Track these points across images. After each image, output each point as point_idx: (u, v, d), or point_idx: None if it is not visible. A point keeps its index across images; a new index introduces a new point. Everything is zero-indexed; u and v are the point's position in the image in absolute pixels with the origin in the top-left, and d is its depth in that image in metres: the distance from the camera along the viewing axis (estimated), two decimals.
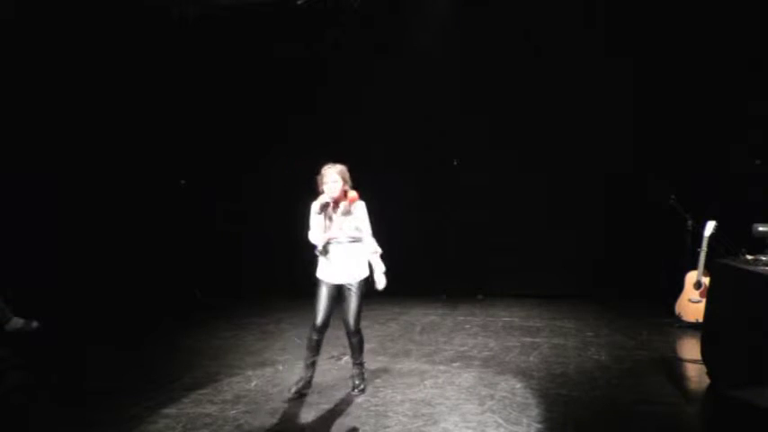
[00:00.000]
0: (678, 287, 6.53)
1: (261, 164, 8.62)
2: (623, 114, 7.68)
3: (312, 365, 4.59)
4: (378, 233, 4.56)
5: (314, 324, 4.49)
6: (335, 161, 4.50)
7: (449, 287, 8.27)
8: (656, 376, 4.94)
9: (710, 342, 4.87)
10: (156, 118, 8.17)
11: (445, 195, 8.34)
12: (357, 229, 4.46)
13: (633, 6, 7.45)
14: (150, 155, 8.16)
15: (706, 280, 6.10)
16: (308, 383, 4.58)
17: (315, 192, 4.49)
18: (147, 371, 5.26)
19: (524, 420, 4.05)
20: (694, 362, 5.20)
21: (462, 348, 5.80)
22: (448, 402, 4.39)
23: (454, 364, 5.29)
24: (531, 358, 5.44)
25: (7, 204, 6.47)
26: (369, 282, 4.55)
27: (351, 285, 4.47)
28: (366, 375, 4.76)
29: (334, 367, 5.19)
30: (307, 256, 5.24)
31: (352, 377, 4.67)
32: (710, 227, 6.23)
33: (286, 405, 4.39)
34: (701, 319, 5.58)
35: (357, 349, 4.64)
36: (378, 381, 4.88)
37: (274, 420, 4.12)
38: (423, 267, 8.05)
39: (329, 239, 4.46)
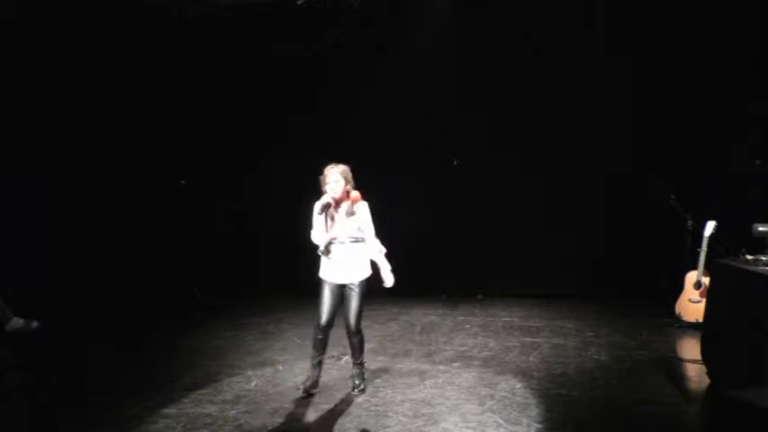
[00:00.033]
0: (678, 287, 6.53)
1: (261, 164, 8.62)
2: (623, 114, 7.68)
3: (319, 365, 4.60)
4: (378, 233, 4.57)
5: (318, 323, 4.50)
6: (338, 161, 4.50)
7: (449, 287, 8.27)
8: (656, 376, 4.95)
9: (710, 342, 4.87)
10: (156, 118, 8.17)
11: (445, 195, 8.34)
12: (359, 229, 4.46)
13: (633, 6, 7.45)
14: (150, 155, 8.16)
15: (706, 280, 6.10)
16: (315, 383, 4.59)
17: (317, 191, 4.50)
18: (147, 371, 5.25)
19: (524, 420, 4.05)
20: (694, 362, 5.20)
21: (462, 348, 5.80)
22: (448, 402, 4.39)
23: (454, 364, 5.29)
24: (531, 358, 5.44)
25: (7, 204, 6.47)
26: (372, 281, 4.55)
27: (353, 285, 4.48)
28: (366, 375, 4.76)
29: (334, 367, 5.19)
30: (307, 256, 5.26)
31: (353, 377, 4.67)
32: (710, 227, 6.23)
33: (286, 405, 4.39)
34: (700, 319, 5.58)
35: (358, 349, 4.64)
36: (378, 381, 4.88)
37: (274, 420, 4.12)
38: (423, 267, 8.05)
39: (331, 239, 4.46)
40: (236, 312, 7.46)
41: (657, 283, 7.27)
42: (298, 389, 4.58)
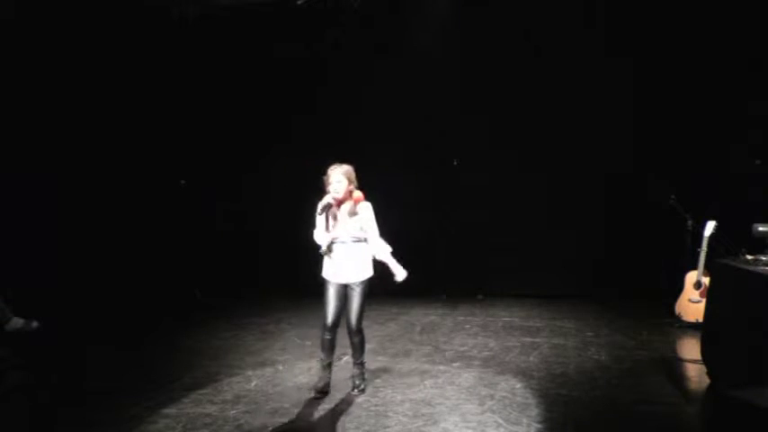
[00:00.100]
0: (678, 287, 6.53)
1: (261, 164, 8.62)
2: (623, 114, 7.68)
3: (329, 366, 4.60)
4: (379, 233, 4.55)
5: (324, 324, 4.50)
6: (340, 161, 4.50)
7: (449, 287, 8.27)
8: (656, 376, 4.95)
9: (710, 342, 4.87)
10: (156, 118, 8.17)
11: (445, 195, 8.34)
12: (362, 229, 4.46)
13: (633, 6, 7.45)
14: (150, 155, 8.15)
15: (706, 280, 6.10)
16: (327, 384, 4.59)
17: (317, 191, 4.50)
18: (147, 371, 5.26)
19: (524, 420, 4.05)
20: (694, 362, 5.20)
21: (462, 348, 5.80)
22: (448, 402, 4.40)
23: (454, 364, 5.29)
24: (531, 358, 5.44)
25: (7, 204, 6.47)
26: (374, 281, 4.56)
27: (355, 285, 4.48)
28: (366, 375, 4.76)
29: (334, 367, 5.17)
30: (308, 256, 5.26)
31: (353, 377, 4.67)
32: (710, 227, 6.23)
33: (286, 405, 4.39)
34: (700, 319, 5.58)
35: (358, 349, 4.64)
36: (378, 381, 4.88)
37: (274, 420, 4.13)
38: (423, 267, 8.02)
39: (333, 239, 4.46)
40: (236, 312, 7.46)
41: (657, 283, 7.27)
42: (310, 390, 4.58)
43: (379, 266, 4.60)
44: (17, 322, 6.13)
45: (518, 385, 4.73)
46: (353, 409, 4.30)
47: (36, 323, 6.20)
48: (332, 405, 4.40)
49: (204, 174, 8.56)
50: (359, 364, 4.68)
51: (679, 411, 4.27)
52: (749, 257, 4.72)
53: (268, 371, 5.20)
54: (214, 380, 4.96)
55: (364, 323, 4.65)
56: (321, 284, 4.58)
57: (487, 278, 8.32)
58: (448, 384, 4.77)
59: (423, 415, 4.17)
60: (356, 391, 4.60)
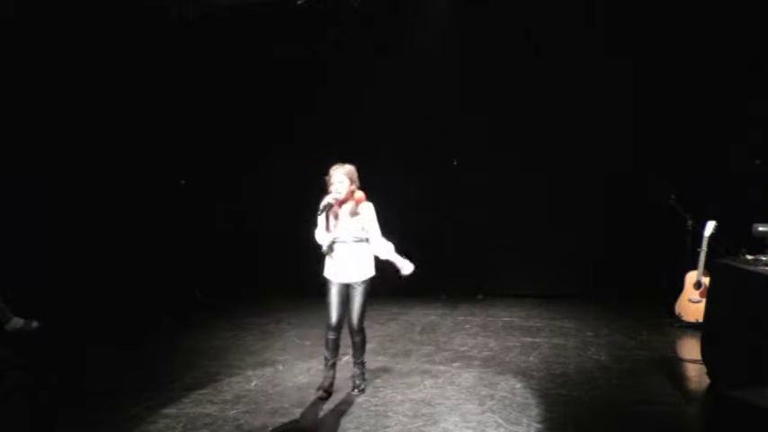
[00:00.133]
0: (678, 287, 6.53)
1: (261, 164, 8.62)
2: (623, 114, 7.68)
3: (333, 366, 4.60)
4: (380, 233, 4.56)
5: (328, 324, 4.51)
6: (343, 161, 4.50)
7: (449, 287, 8.27)
8: (656, 376, 4.95)
9: (710, 342, 4.87)
10: (156, 118, 8.17)
11: (445, 195, 8.34)
12: (363, 229, 4.46)
13: (633, 6, 7.45)
14: (150, 155, 8.15)
15: (706, 280, 6.10)
16: (332, 383, 4.59)
17: (317, 191, 4.51)
18: (147, 371, 5.26)
19: (524, 420, 4.05)
20: (694, 362, 5.20)
21: (462, 348, 5.80)
22: (448, 402, 4.40)
23: (454, 364, 5.29)
24: (531, 358, 5.44)
25: (7, 204, 6.47)
26: (376, 280, 4.57)
27: (356, 284, 4.49)
28: (366, 375, 4.76)
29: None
30: (308, 256, 5.26)
31: (353, 377, 4.67)
32: (710, 227, 6.23)
33: (286, 405, 4.39)
34: (700, 319, 5.58)
35: (359, 348, 4.65)
36: (378, 381, 4.88)
37: (274, 420, 4.13)
38: (423, 267, 8.03)
39: (334, 239, 4.47)
40: (236, 312, 7.46)
41: (657, 283, 7.27)
42: (316, 390, 4.57)
43: (384, 265, 4.60)
44: (17, 322, 6.13)
45: (518, 385, 4.73)
46: (354, 409, 4.30)
47: (36, 323, 6.20)
48: (332, 405, 4.40)
49: (204, 174, 8.56)
50: (359, 363, 4.68)
51: (679, 411, 4.27)
52: (749, 257, 4.72)
53: (268, 371, 5.20)
54: (214, 380, 4.96)
55: (365, 323, 4.65)
56: (323, 284, 4.58)
57: (487, 278, 8.32)
58: (448, 384, 4.77)
59: (423, 415, 4.17)
60: (356, 391, 4.60)
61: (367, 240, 4.51)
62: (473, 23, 7.97)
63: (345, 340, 4.69)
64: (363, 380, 4.68)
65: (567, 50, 7.73)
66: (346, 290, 4.51)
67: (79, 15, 7.22)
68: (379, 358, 5.47)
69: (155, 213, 8.18)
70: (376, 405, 4.37)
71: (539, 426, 3.97)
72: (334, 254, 4.51)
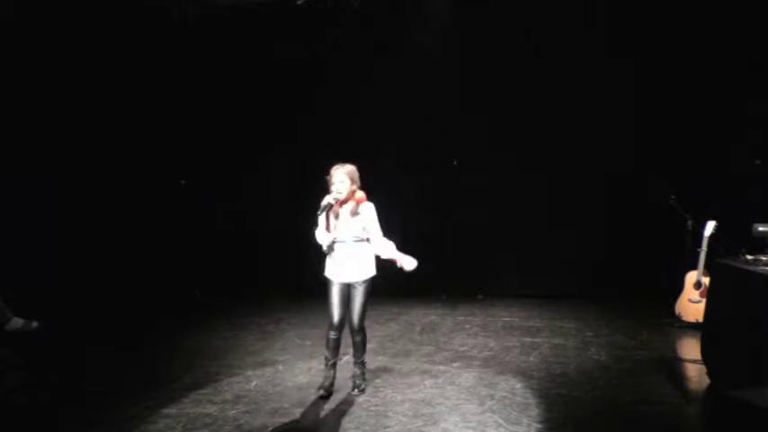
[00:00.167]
0: (678, 287, 6.53)
1: (261, 164, 8.62)
2: (623, 114, 7.68)
3: (334, 365, 4.61)
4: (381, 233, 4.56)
5: (331, 323, 4.51)
6: (344, 161, 4.51)
7: (449, 287, 8.27)
8: (656, 376, 4.95)
9: (710, 342, 4.87)
10: (156, 118, 8.17)
11: (445, 195, 8.34)
12: (364, 229, 4.47)
13: (633, 6, 7.45)
14: (150, 155, 8.15)
15: (706, 280, 6.10)
16: (332, 383, 4.59)
17: (320, 190, 4.51)
18: (147, 371, 5.25)
19: (524, 420, 4.05)
20: (694, 362, 5.20)
21: (462, 348, 5.80)
22: (448, 402, 4.40)
23: (454, 364, 5.29)
24: (531, 358, 5.44)
25: (7, 204, 6.47)
26: (377, 280, 4.57)
27: (357, 284, 4.50)
28: (367, 375, 4.76)
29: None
30: (308, 256, 5.27)
31: (353, 377, 4.67)
32: (710, 227, 6.23)
33: (286, 405, 4.39)
34: (701, 319, 5.58)
35: (360, 348, 4.65)
36: (378, 381, 4.88)
37: (274, 420, 4.12)
38: (423, 267, 8.03)
39: (335, 239, 4.47)
40: (236, 312, 7.46)
41: (657, 283, 7.27)
42: (317, 390, 4.57)
43: (385, 264, 4.60)
44: (17, 322, 6.13)
45: (518, 385, 4.73)
46: (354, 409, 4.30)
47: (36, 323, 6.20)
48: (332, 405, 4.40)
49: (204, 174, 8.56)
50: (360, 363, 4.68)
51: (679, 411, 4.27)
52: (749, 257, 4.72)
53: (268, 371, 5.20)
54: (214, 380, 4.96)
55: (365, 322, 4.65)
56: (323, 284, 4.59)
57: (487, 278, 8.32)
58: (448, 384, 4.77)
59: (423, 415, 4.17)
60: (356, 391, 4.60)
61: (368, 240, 4.51)
62: (473, 23, 7.97)
63: (346, 340, 4.69)
64: (363, 380, 4.69)
65: (567, 50, 7.74)
66: (347, 289, 4.52)
67: (79, 15, 7.22)
68: (379, 358, 5.47)
69: (155, 213, 8.18)
70: (376, 405, 4.37)
71: (539, 426, 3.97)
72: (334, 254, 4.52)
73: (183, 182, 8.35)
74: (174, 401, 4.48)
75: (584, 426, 4.04)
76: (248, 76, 8.55)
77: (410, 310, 7.49)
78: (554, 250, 7.96)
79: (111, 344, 6.14)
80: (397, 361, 5.43)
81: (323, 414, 4.25)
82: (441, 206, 8.34)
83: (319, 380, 4.69)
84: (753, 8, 6.96)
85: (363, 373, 4.71)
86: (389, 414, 4.19)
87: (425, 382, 4.82)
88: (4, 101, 6.69)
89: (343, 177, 4.41)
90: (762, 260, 4.58)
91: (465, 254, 8.30)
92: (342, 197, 4.41)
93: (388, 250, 4.49)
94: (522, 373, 5.00)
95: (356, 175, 4.49)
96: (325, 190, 4.46)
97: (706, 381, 4.79)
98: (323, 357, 4.63)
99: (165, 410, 4.31)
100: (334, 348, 4.56)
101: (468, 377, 4.93)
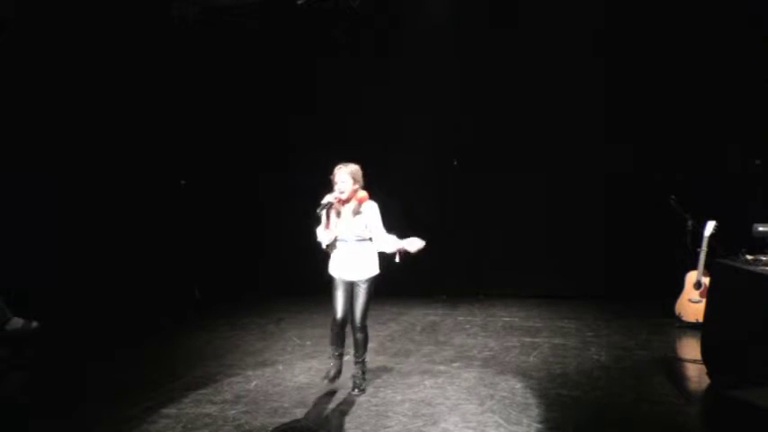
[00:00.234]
0: (678, 287, 6.53)
1: (261, 164, 8.62)
2: (623, 114, 7.67)
3: (340, 356, 4.64)
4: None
5: (334, 318, 4.55)
6: (345, 161, 4.52)
7: (449, 287, 8.27)
8: (656, 376, 4.94)
9: (710, 342, 4.87)
10: (156, 118, 8.16)
11: (445, 195, 8.33)
12: (366, 228, 4.48)
13: (633, 6, 7.45)
14: (150, 155, 8.15)
15: (706, 280, 6.10)
16: (338, 372, 4.63)
17: (320, 190, 4.52)
18: (147, 371, 5.26)
19: (524, 420, 4.05)
20: (694, 362, 5.20)
21: (462, 348, 5.80)
22: (448, 402, 4.40)
23: (454, 364, 5.29)
24: (531, 358, 5.44)
25: (7, 204, 6.46)
26: (379, 278, 4.59)
27: (360, 282, 4.51)
28: (367, 375, 4.76)
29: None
30: (308, 257, 5.27)
31: (353, 377, 4.68)
32: (710, 227, 6.22)
33: (286, 405, 4.40)
34: (701, 319, 5.58)
35: (361, 346, 4.66)
36: (378, 381, 4.88)
37: (274, 420, 4.13)
38: (423, 267, 8.04)
39: (336, 238, 4.48)
40: (236, 312, 7.46)
41: (657, 283, 7.26)
42: (322, 379, 4.62)
43: (387, 264, 4.60)
44: (17, 322, 6.11)
45: (518, 385, 4.73)
46: (354, 409, 4.30)
47: (36, 323, 6.18)
48: (332, 405, 4.41)
49: (205, 174, 8.55)
50: (360, 362, 4.69)
51: (679, 411, 4.26)
52: (749, 257, 4.72)
53: (268, 371, 5.20)
54: (214, 380, 4.96)
55: (367, 321, 4.65)
56: (324, 284, 4.61)
57: (487, 278, 8.32)
58: (448, 384, 4.77)
59: (423, 415, 4.17)
60: (357, 390, 4.60)
61: (370, 239, 4.51)
62: (473, 23, 7.97)
63: (346, 339, 4.69)
64: (364, 380, 4.69)
65: (567, 50, 7.73)
66: (351, 287, 4.54)
67: (79, 15, 7.22)
68: (380, 358, 5.47)
69: (155, 213, 8.17)
70: (376, 405, 4.37)
71: (539, 426, 3.97)
72: (337, 252, 4.54)
73: (183, 182, 8.35)
74: (174, 401, 4.48)
75: (585, 426, 4.04)
76: (248, 76, 8.54)
77: (410, 310, 7.49)
78: (554, 250, 7.95)
79: (111, 343, 6.13)
80: (397, 361, 5.43)
81: (323, 414, 4.25)
82: (440, 206, 8.33)
83: (319, 380, 4.69)
84: (753, 8, 6.96)
85: (364, 373, 4.71)
86: (389, 414, 4.20)
87: (425, 382, 4.82)
88: (4, 101, 6.69)
89: (345, 177, 4.42)
90: (762, 260, 4.58)
91: (465, 254, 8.30)
92: (344, 196, 4.42)
93: (392, 243, 4.49)
94: (522, 373, 5.00)
95: (359, 174, 4.51)
96: (329, 189, 4.47)
97: (706, 381, 4.79)
98: (327, 352, 4.64)
99: (165, 410, 4.31)
100: (339, 342, 4.60)
101: (468, 377, 4.93)
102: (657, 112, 7.55)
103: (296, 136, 8.50)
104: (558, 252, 7.95)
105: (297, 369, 5.22)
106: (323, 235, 4.49)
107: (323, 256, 4.68)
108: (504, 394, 4.53)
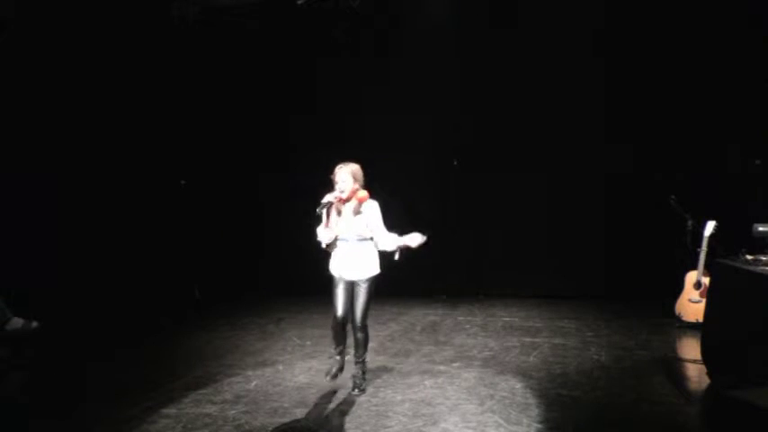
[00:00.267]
0: (678, 287, 6.53)
1: (261, 164, 8.62)
2: (623, 114, 7.67)
3: (341, 353, 4.66)
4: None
5: (335, 317, 4.55)
6: (346, 161, 4.52)
7: (449, 287, 8.27)
8: (656, 376, 4.94)
9: (710, 342, 4.87)
10: (156, 118, 8.16)
11: (445, 195, 8.33)
12: (367, 227, 4.48)
13: (633, 6, 7.45)
14: (150, 155, 8.15)
15: (706, 280, 6.10)
16: (341, 368, 4.65)
17: (320, 190, 4.52)
18: (147, 371, 5.26)
19: (524, 420, 4.05)
20: (694, 362, 5.20)
21: (462, 348, 5.80)
22: (448, 402, 4.40)
23: (454, 364, 5.29)
24: (531, 358, 5.44)
25: (7, 204, 6.46)
26: (380, 278, 4.59)
27: (361, 282, 4.52)
28: (367, 375, 4.76)
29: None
30: (308, 257, 5.26)
31: (353, 377, 4.68)
32: (710, 227, 6.22)
33: (286, 405, 4.40)
34: (701, 319, 5.58)
35: (361, 345, 4.66)
36: (378, 381, 4.88)
37: (274, 420, 4.13)
38: (423, 267, 8.04)
39: (337, 237, 4.49)
40: (236, 312, 7.46)
41: (657, 283, 7.26)
42: (325, 375, 4.64)
43: (388, 263, 4.60)
44: (17, 322, 6.11)
45: (518, 385, 4.73)
46: (354, 409, 4.30)
47: (36, 323, 6.18)
48: (332, 405, 4.41)
49: (205, 174, 8.55)
50: (360, 362, 4.69)
51: (679, 411, 4.26)
52: (749, 257, 4.72)
53: (268, 371, 5.20)
54: (214, 380, 4.96)
55: (368, 321, 4.65)
56: (324, 284, 4.62)
57: (487, 278, 8.32)
58: (448, 384, 4.77)
59: (423, 415, 4.17)
60: (356, 390, 4.60)
61: (371, 239, 4.52)
62: (473, 23, 7.97)
63: (348, 338, 4.70)
64: (364, 380, 4.69)
65: (567, 50, 7.73)
66: (351, 286, 4.55)
67: (79, 15, 7.22)
68: (380, 358, 5.47)
69: (154, 213, 8.17)
70: (376, 405, 4.37)
71: (539, 426, 3.97)
72: (338, 252, 4.55)
73: (183, 182, 8.35)
74: (174, 401, 4.49)
75: (585, 426, 4.04)
76: (248, 76, 8.54)
77: (410, 310, 7.49)
78: (554, 250, 7.95)
79: (111, 343, 6.13)
80: (397, 361, 5.43)
81: (323, 414, 4.25)
82: (440, 206, 8.33)
83: (319, 380, 4.70)
84: (753, 8, 6.96)
85: (364, 373, 4.71)
86: (389, 414, 4.20)
87: (425, 382, 4.82)
88: (4, 101, 6.69)
89: (346, 176, 4.43)
90: (762, 260, 4.58)
91: (465, 254, 8.30)
92: (344, 196, 4.42)
93: (393, 241, 4.49)
94: (522, 373, 5.00)
95: (360, 174, 4.51)
96: (329, 189, 4.48)
97: (706, 381, 4.79)
98: (328, 352, 4.65)
99: (165, 410, 4.31)
100: (340, 339, 4.61)
101: (468, 377, 4.93)
102: (657, 112, 7.55)
103: (296, 136, 8.50)
104: (558, 252, 7.95)
105: (297, 369, 5.22)
106: (323, 234, 4.49)
107: (323, 255, 4.68)
108: (504, 394, 4.53)
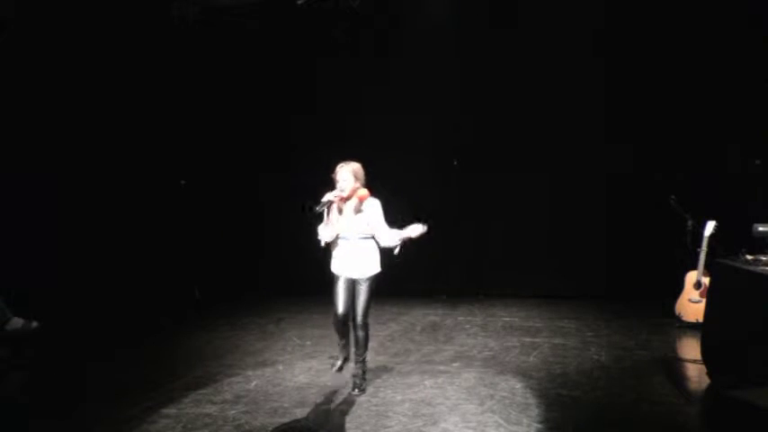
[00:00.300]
0: (678, 287, 6.53)
1: (261, 164, 8.62)
2: (623, 114, 7.68)
3: (346, 346, 4.68)
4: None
5: (336, 313, 4.56)
6: (347, 160, 4.53)
7: (449, 287, 8.27)
8: (656, 376, 4.94)
9: (710, 342, 4.87)
10: (156, 118, 8.16)
11: (445, 195, 8.33)
12: (368, 225, 4.49)
13: (633, 6, 7.45)
14: (150, 155, 8.15)
15: (706, 280, 6.10)
16: (346, 358, 4.68)
17: (320, 189, 4.53)
18: (147, 371, 5.26)
19: (524, 420, 4.05)
20: (694, 362, 5.20)
21: (462, 348, 5.80)
22: (448, 402, 4.40)
23: (454, 364, 5.29)
24: (531, 358, 5.44)
25: (7, 204, 6.46)
26: (381, 276, 4.61)
27: (362, 280, 4.53)
28: (367, 375, 4.76)
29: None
30: (308, 257, 5.26)
31: (353, 377, 4.68)
32: (710, 227, 6.22)
33: (286, 405, 4.40)
34: (701, 319, 5.58)
35: (362, 344, 4.66)
36: (378, 381, 4.88)
37: (274, 420, 4.13)
38: (423, 267, 8.05)
39: (338, 235, 4.49)
40: (236, 312, 7.46)
41: (657, 283, 7.26)
42: (332, 365, 4.69)
43: (389, 263, 4.61)
44: (17, 322, 6.11)
45: (518, 385, 4.73)
46: (354, 409, 4.30)
47: (36, 324, 6.18)
48: (332, 405, 4.41)
49: (205, 174, 8.55)
50: (361, 362, 4.69)
51: (679, 411, 4.26)
52: (749, 257, 4.72)
53: (268, 371, 5.20)
54: (214, 380, 4.96)
55: (368, 319, 4.65)
56: (323, 284, 4.62)
57: (487, 278, 8.32)
58: (448, 384, 4.77)
59: (423, 415, 4.17)
60: (356, 390, 4.60)
61: (372, 237, 4.52)
62: (473, 23, 7.97)
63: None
64: (364, 380, 4.69)
65: (567, 50, 7.73)
66: (352, 284, 4.55)
67: (79, 15, 7.21)
68: (380, 358, 5.47)
69: (154, 213, 8.17)
70: (376, 405, 4.37)
71: (539, 426, 3.97)
72: (339, 250, 4.55)
73: (183, 182, 8.35)
74: (174, 401, 4.48)
75: (585, 426, 4.04)
76: (248, 76, 8.54)
77: (410, 310, 7.49)
78: (554, 250, 7.95)
79: (111, 343, 6.13)
80: (397, 361, 5.43)
81: (323, 414, 4.25)
82: (440, 206, 8.31)
83: (319, 380, 4.69)
84: (753, 8, 6.96)
85: (364, 373, 4.71)
86: (389, 414, 4.20)
87: (425, 382, 4.82)
88: (4, 101, 6.68)
89: (347, 175, 4.44)
90: (762, 260, 4.58)
91: (465, 254, 8.30)
92: (345, 194, 4.43)
93: (396, 237, 4.49)
94: (522, 373, 5.00)
95: (361, 173, 4.53)
96: (329, 189, 4.48)
97: (706, 381, 4.79)
98: (329, 352, 4.65)
99: (165, 410, 4.31)
100: (344, 333, 4.63)
101: (468, 377, 4.93)
102: (657, 112, 7.55)
103: (296, 136, 8.50)
104: (559, 252, 7.95)
105: (297, 369, 5.22)
106: (324, 232, 4.49)
107: (323, 254, 4.68)
108: (504, 394, 4.53)
